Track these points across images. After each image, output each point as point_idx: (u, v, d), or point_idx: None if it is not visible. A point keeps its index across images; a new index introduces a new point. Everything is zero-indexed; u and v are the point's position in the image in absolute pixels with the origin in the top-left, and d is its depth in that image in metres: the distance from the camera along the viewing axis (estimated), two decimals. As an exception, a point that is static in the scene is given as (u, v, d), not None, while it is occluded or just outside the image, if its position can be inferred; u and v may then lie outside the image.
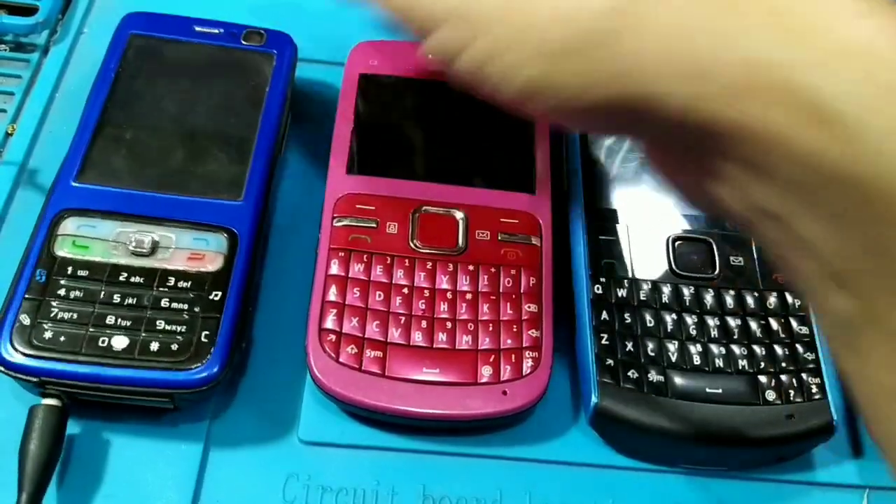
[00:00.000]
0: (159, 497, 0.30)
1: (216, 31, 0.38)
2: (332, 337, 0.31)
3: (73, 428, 0.30)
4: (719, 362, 0.32)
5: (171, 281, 0.30)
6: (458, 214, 0.35)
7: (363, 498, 0.31)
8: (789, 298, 0.34)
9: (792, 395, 0.32)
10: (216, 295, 0.30)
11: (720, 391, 0.32)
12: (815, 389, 0.32)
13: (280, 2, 0.44)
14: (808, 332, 0.33)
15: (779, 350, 0.33)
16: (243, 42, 0.38)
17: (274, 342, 0.33)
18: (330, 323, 0.31)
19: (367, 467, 0.31)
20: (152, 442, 0.31)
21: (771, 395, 0.32)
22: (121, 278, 0.30)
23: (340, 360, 0.31)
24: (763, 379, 0.32)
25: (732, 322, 0.33)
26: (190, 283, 0.30)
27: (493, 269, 0.34)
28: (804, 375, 0.32)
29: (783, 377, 0.32)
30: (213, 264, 0.31)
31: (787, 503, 0.32)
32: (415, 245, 0.34)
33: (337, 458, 0.31)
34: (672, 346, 0.33)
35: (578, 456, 0.32)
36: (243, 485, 0.31)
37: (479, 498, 0.31)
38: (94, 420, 0.31)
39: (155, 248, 0.31)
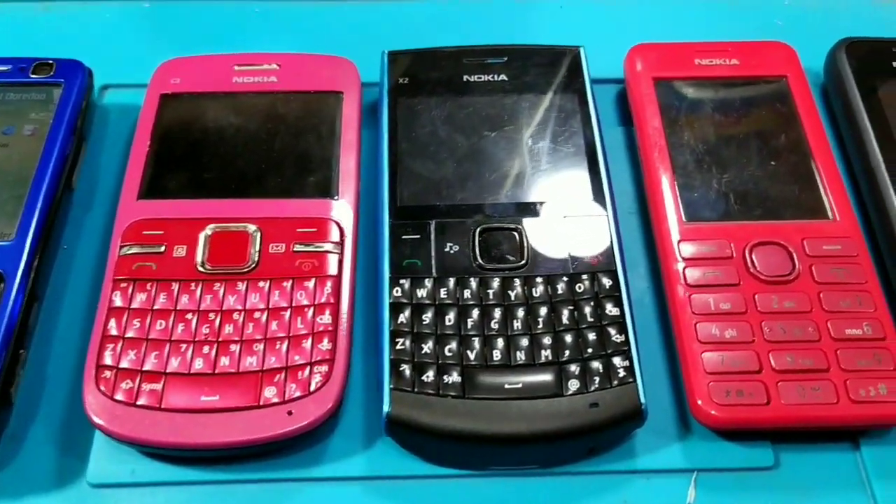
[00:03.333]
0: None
1: (5, 67, 0.37)
2: (108, 374, 0.30)
3: None
4: (521, 356, 0.31)
5: (-70, 332, 0.29)
6: (252, 229, 0.33)
7: (154, 537, 0.29)
8: (604, 280, 0.32)
9: (597, 382, 0.30)
10: (-25, 340, 0.29)
11: (520, 386, 0.30)
12: (623, 373, 0.30)
13: (92, 30, 0.43)
14: (619, 314, 0.32)
15: (590, 335, 0.31)
16: (32, 75, 0.37)
17: (62, 384, 0.32)
18: (108, 359, 0.30)
19: (159, 504, 0.30)
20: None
21: (574, 385, 0.30)
22: None
23: (116, 397, 0.30)
24: (568, 368, 0.30)
25: (541, 311, 0.32)
26: (-51, 331, 0.29)
27: (285, 284, 0.32)
28: (614, 359, 0.31)
29: (591, 363, 0.31)
30: (-26, 310, 0.30)
31: (608, 496, 0.31)
32: (203, 267, 0.32)
33: (128, 498, 0.30)
34: (475, 344, 0.31)
35: (382, 469, 0.31)
36: (28, 536, 0.29)
37: (277, 525, 0.30)
38: None
39: (-84, 300, 0.30)
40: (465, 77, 0.38)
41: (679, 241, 0.34)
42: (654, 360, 0.33)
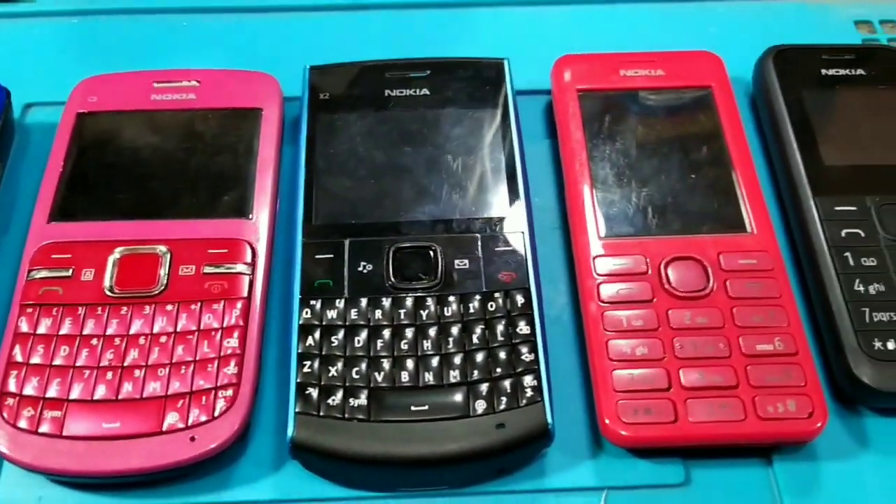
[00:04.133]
0: None
1: (-80, 88, 0.37)
2: (11, 401, 0.30)
3: None
4: (430, 377, 0.31)
5: None
6: (162, 250, 0.33)
7: (58, 566, 0.29)
8: (517, 297, 0.32)
9: (504, 402, 0.30)
10: None
11: (426, 408, 0.30)
12: (531, 393, 0.30)
13: (17, 47, 0.43)
14: (530, 332, 0.32)
15: (500, 354, 0.31)
16: (-53, 96, 0.36)
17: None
18: (11, 386, 0.30)
19: (66, 532, 0.30)
20: None
21: (481, 406, 0.30)
22: None
23: (18, 424, 0.29)
24: (477, 388, 0.30)
25: (452, 330, 0.32)
26: None
27: (194, 307, 0.32)
28: (523, 378, 0.30)
29: (500, 383, 0.30)
30: None
31: (518, 516, 0.30)
32: (111, 291, 0.32)
33: (35, 525, 0.30)
34: (384, 365, 0.31)
35: (290, 493, 0.31)
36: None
37: (184, 551, 0.30)
38: None
39: None
40: (387, 91, 0.38)
41: (595, 257, 0.34)
42: (570, 378, 0.33)
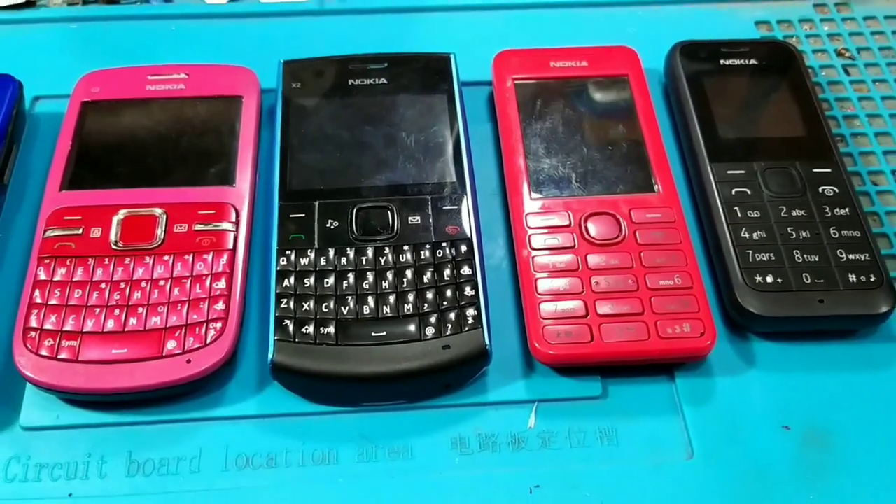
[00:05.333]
0: None
1: (-62, 81, 0.42)
2: (34, 334, 0.35)
3: None
4: (388, 310, 0.37)
5: None
6: (158, 212, 0.39)
7: (75, 471, 0.35)
8: (461, 247, 0.38)
9: (449, 328, 0.36)
10: (-84, 310, 0.34)
11: (384, 334, 0.36)
12: (471, 321, 0.36)
13: (25, 49, 0.49)
14: (471, 274, 0.38)
15: (446, 292, 0.37)
16: (-33, 87, 0.42)
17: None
18: (33, 322, 0.36)
19: (81, 444, 0.35)
20: None
21: (430, 332, 0.36)
22: None
23: (40, 353, 0.35)
24: (427, 318, 0.36)
25: (406, 273, 0.38)
26: None
27: (187, 257, 0.38)
28: (466, 310, 0.36)
29: (446, 314, 0.36)
30: (-85, 284, 0.35)
31: (464, 424, 0.36)
32: (116, 245, 0.38)
33: (54, 439, 0.35)
34: (349, 302, 0.37)
35: (271, 409, 0.36)
36: (-34, 474, 0.34)
37: (181, 457, 0.35)
38: None
39: None
40: (350, 81, 0.44)
41: (527, 214, 0.40)
42: (505, 312, 0.39)
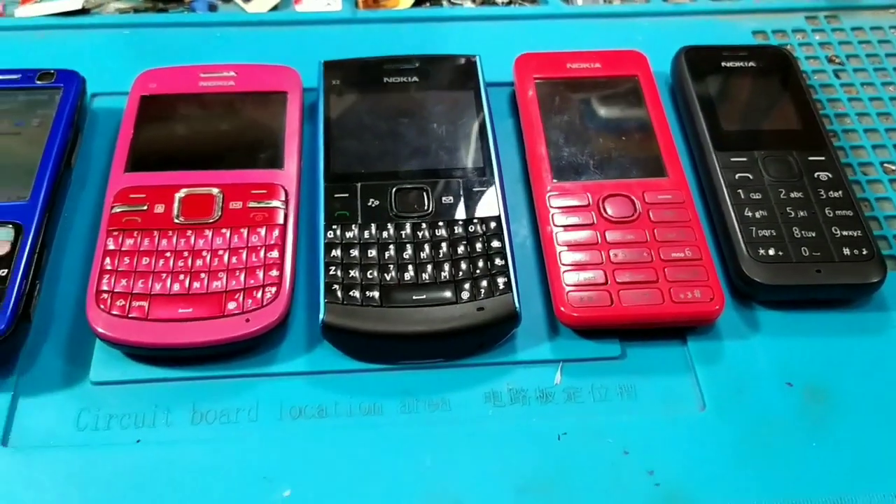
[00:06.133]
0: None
1: (15, 76, 0.46)
2: (106, 296, 0.39)
3: None
4: (426, 277, 0.40)
5: (-33, 266, 0.38)
6: (216, 191, 0.43)
7: (143, 420, 0.38)
8: (491, 223, 0.42)
9: (482, 293, 0.40)
10: (3, 272, 0.38)
11: (424, 297, 0.40)
12: (502, 287, 0.40)
13: (82, 51, 0.53)
14: (501, 247, 0.41)
15: (479, 262, 0.41)
16: (37, 81, 0.46)
17: (67, 308, 0.41)
18: (105, 286, 0.39)
19: (147, 396, 0.39)
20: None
21: (465, 295, 0.40)
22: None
23: (112, 312, 0.38)
24: (462, 284, 0.40)
25: (442, 246, 0.41)
26: (-19, 265, 0.38)
27: (242, 230, 0.41)
28: (496, 278, 0.40)
29: (479, 281, 0.40)
30: (1, 250, 0.39)
31: (496, 381, 0.40)
32: (178, 220, 0.42)
33: (122, 392, 0.39)
34: (390, 269, 0.40)
35: (320, 366, 0.40)
36: (44, 421, 0.38)
37: (239, 408, 0.39)
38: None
39: (-49, 245, 0.39)
40: (385, 79, 0.49)
41: (549, 196, 0.44)
42: (531, 283, 0.43)
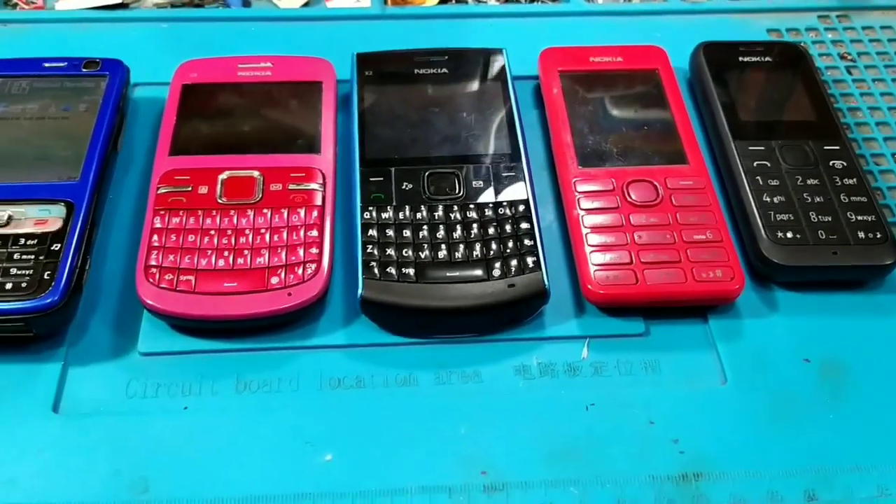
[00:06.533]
0: (27, 411, 0.38)
1: (62, 64, 0.48)
2: (154, 270, 0.41)
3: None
4: (458, 255, 0.42)
5: (22, 241, 0.40)
6: (256, 174, 0.45)
7: (189, 389, 0.40)
8: (519, 206, 0.44)
9: (513, 270, 0.42)
10: (56, 246, 0.40)
11: (457, 274, 0.41)
12: (532, 265, 0.42)
13: (123, 44, 0.55)
14: (529, 227, 0.43)
15: (508, 242, 0.43)
16: (84, 69, 0.48)
17: (118, 279, 0.43)
18: (153, 261, 0.41)
19: (193, 367, 0.41)
20: (21, 366, 0.40)
21: (496, 273, 0.41)
22: (-19, 244, 0.40)
23: (161, 285, 0.40)
24: (493, 263, 0.42)
25: (473, 227, 0.43)
26: (36, 241, 0.40)
27: (283, 211, 0.43)
28: (526, 257, 0.42)
29: (509, 260, 0.42)
30: (54, 226, 0.41)
31: (525, 355, 0.42)
32: (221, 200, 0.43)
33: (169, 363, 0.41)
34: (425, 248, 0.42)
35: (358, 339, 0.42)
36: (94, 390, 0.40)
37: (281, 379, 0.40)
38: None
39: (9, 220, 0.41)
40: (416, 70, 0.51)
41: (575, 181, 0.46)
42: (558, 264, 0.45)
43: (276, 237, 0.42)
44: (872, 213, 0.45)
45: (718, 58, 0.53)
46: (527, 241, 0.43)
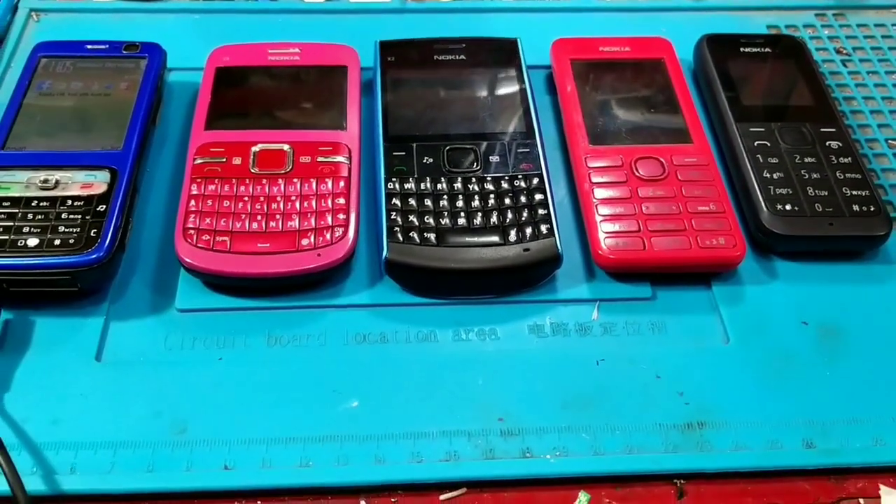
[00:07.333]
0: (71, 360, 0.41)
1: (103, 46, 0.52)
2: (192, 231, 0.43)
3: (6, 315, 0.42)
4: (476, 222, 0.45)
5: (69, 202, 0.43)
6: (286, 147, 0.48)
7: (223, 342, 0.42)
8: (533, 179, 0.47)
9: (528, 236, 0.44)
10: (102, 207, 0.43)
11: (476, 239, 0.44)
12: (545, 231, 0.44)
13: (158, 32, 0.58)
14: (543, 198, 0.46)
15: (524, 212, 0.45)
16: (124, 51, 0.51)
17: (156, 241, 0.46)
18: (190, 223, 0.44)
19: (227, 323, 0.43)
20: (66, 319, 0.42)
21: (513, 238, 0.44)
22: (32, 204, 0.42)
23: (198, 245, 0.43)
24: (509, 229, 0.44)
25: (490, 197, 0.46)
26: (82, 202, 0.43)
27: (313, 180, 0.46)
28: (540, 225, 0.45)
29: (524, 227, 0.45)
30: (99, 190, 0.43)
31: (539, 316, 0.44)
32: (254, 169, 0.46)
33: (204, 319, 0.43)
34: (445, 216, 0.45)
35: (383, 299, 0.44)
36: (134, 341, 0.42)
37: (310, 335, 0.43)
38: (25, 309, 0.42)
39: (57, 184, 0.43)
40: (435, 56, 0.54)
41: (586, 157, 0.49)
42: (569, 234, 0.47)
43: (305, 203, 0.45)
44: (866, 189, 0.47)
45: (721, 48, 0.56)
46: (541, 211, 0.45)
